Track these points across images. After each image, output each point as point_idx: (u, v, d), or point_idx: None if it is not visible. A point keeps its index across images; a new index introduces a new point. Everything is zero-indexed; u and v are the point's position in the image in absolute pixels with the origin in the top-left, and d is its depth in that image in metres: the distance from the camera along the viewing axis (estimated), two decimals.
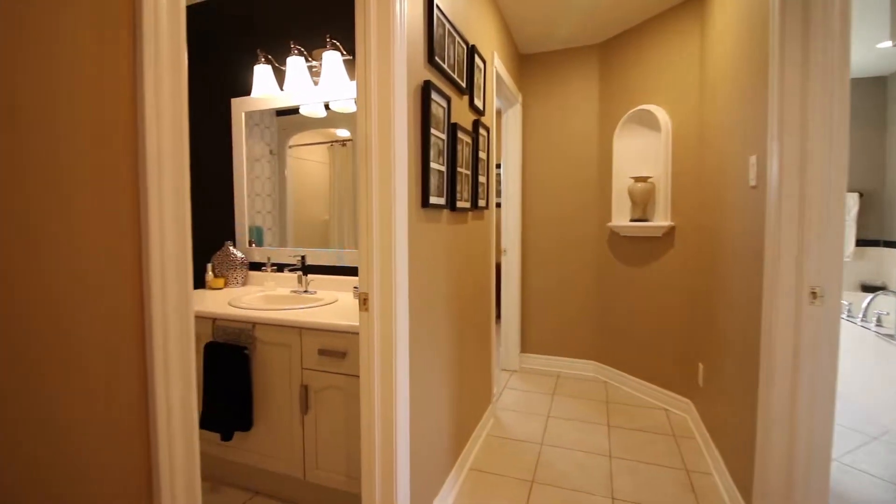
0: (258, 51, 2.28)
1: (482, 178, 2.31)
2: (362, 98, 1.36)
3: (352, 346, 1.64)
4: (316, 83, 2.22)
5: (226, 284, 2.38)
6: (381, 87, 1.34)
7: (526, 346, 3.53)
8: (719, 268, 2.14)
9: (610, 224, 3.00)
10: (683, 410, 2.68)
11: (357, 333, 1.54)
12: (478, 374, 2.33)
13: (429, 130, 1.57)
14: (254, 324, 1.79)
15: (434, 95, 1.61)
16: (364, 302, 1.42)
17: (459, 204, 1.92)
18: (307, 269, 2.29)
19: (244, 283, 2.43)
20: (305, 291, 2.17)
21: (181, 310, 0.78)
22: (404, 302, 1.44)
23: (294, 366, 1.73)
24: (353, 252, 2.21)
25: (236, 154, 2.47)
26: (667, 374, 2.81)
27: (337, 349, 1.65)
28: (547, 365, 3.47)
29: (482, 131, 2.28)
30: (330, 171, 2.32)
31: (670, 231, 2.75)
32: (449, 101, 1.75)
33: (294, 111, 2.32)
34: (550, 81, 3.34)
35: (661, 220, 2.78)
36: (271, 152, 2.44)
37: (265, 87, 2.22)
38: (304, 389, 1.71)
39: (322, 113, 2.28)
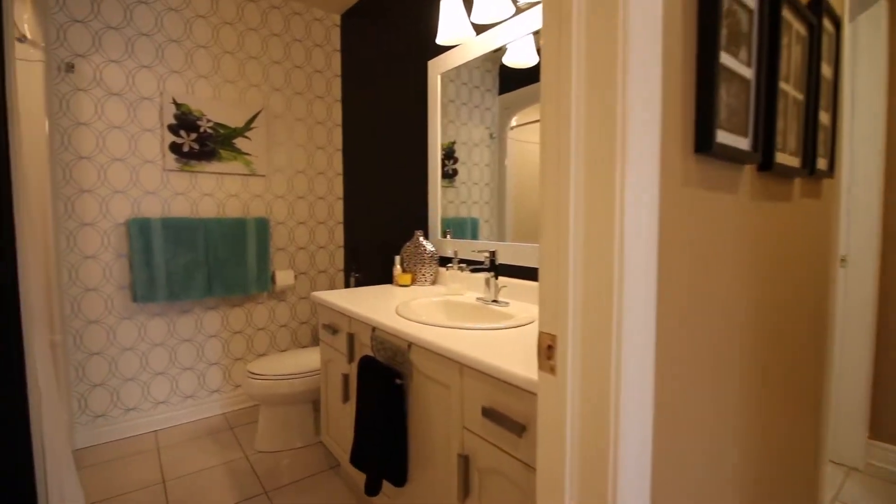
0: None
1: (824, 116, 1.18)
2: None
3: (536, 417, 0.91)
4: (519, 9, 1.56)
5: (413, 281, 1.99)
6: None
7: (880, 430, 2.00)
8: None
9: None
10: None
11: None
12: (788, 481, 1.24)
13: None
14: (410, 343, 1.27)
15: None
16: (548, 352, 0.68)
17: (781, 158, 0.93)
18: (499, 269, 1.67)
19: (434, 282, 1.99)
20: (494, 301, 1.55)
21: None
22: (645, 359, 0.63)
23: (453, 420, 1.13)
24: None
25: (431, 126, 2.05)
26: None
27: (511, 414, 0.95)
28: None
29: (827, 24, 1.16)
30: None
31: None
32: None
33: (518, 81, 1.68)
34: None
35: None
36: (491, 136, 1.93)
37: (454, 28, 1.69)
38: (464, 462, 1.09)
39: (532, 58, 1.60)
